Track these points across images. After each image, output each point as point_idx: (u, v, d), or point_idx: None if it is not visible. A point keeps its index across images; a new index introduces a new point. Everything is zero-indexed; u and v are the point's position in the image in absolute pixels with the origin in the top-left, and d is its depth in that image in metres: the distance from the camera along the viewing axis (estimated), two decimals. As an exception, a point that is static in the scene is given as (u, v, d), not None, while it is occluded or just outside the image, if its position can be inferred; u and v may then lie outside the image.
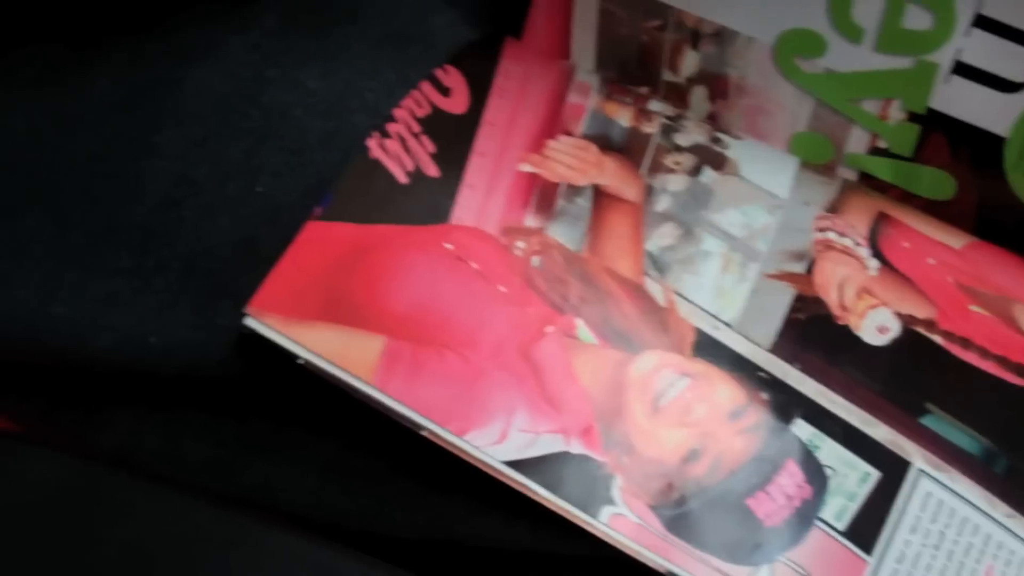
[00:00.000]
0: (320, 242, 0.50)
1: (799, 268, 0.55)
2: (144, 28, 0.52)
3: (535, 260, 0.53)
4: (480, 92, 0.56)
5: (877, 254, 0.55)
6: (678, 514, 0.49)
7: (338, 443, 0.51)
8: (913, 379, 0.53)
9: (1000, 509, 0.52)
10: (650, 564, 0.48)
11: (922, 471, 0.52)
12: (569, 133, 0.56)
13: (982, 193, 0.55)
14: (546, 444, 0.49)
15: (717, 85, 0.57)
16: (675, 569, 0.48)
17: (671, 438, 0.50)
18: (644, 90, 0.58)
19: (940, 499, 0.52)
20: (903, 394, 0.53)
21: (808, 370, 0.53)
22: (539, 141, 0.56)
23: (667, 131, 0.57)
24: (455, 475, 0.48)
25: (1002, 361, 0.54)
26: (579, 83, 0.58)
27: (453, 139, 0.54)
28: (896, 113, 0.54)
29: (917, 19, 0.51)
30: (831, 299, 0.54)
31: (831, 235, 0.56)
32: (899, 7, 0.50)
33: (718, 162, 0.57)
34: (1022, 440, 0.53)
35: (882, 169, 0.56)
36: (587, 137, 0.57)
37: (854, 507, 0.51)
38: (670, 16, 0.55)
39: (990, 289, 0.55)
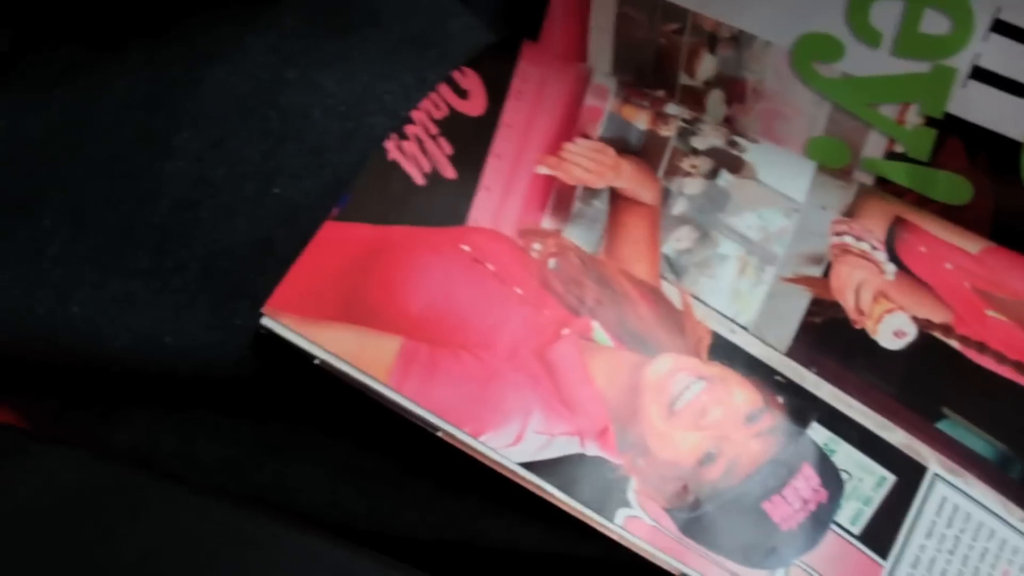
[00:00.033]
0: (337, 243, 0.50)
1: (816, 272, 0.55)
2: (163, 29, 0.53)
3: (551, 262, 0.53)
4: (497, 94, 0.56)
5: (894, 258, 0.55)
6: (693, 517, 0.49)
7: (353, 443, 0.51)
8: (929, 384, 0.53)
9: (1016, 514, 0.52)
10: (665, 567, 0.48)
11: (938, 475, 0.52)
12: (586, 136, 0.56)
13: (999, 198, 0.55)
14: (561, 446, 0.49)
15: (734, 89, 0.57)
16: (690, 572, 0.48)
17: (687, 441, 0.50)
18: (660, 93, 0.58)
19: (955, 504, 0.51)
20: (919, 398, 0.53)
21: (824, 374, 0.53)
22: (556, 143, 0.56)
23: (684, 134, 0.57)
24: (470, 476, 0.48)
25: (1018, 366, 0.54)
26: (596, 86, 0.58)
27: (470, 141, 0.54)
28: (913, 118, 0.54)
29: (935, 24, 0.50)
30: (847, 303, 0.54)
31: (848, 239, 0.55)
32: (917, 11, 0.50)
33: (735, 165, 0.57)
34: (1038, 445, 0.53)
35: (899, 174, 0.56)
36: (604, 140, 0.57)
37: (869, 511, 0.51)
38: (687, 19, 0.55)
39: (1007, 294, 0.55)
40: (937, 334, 0.54)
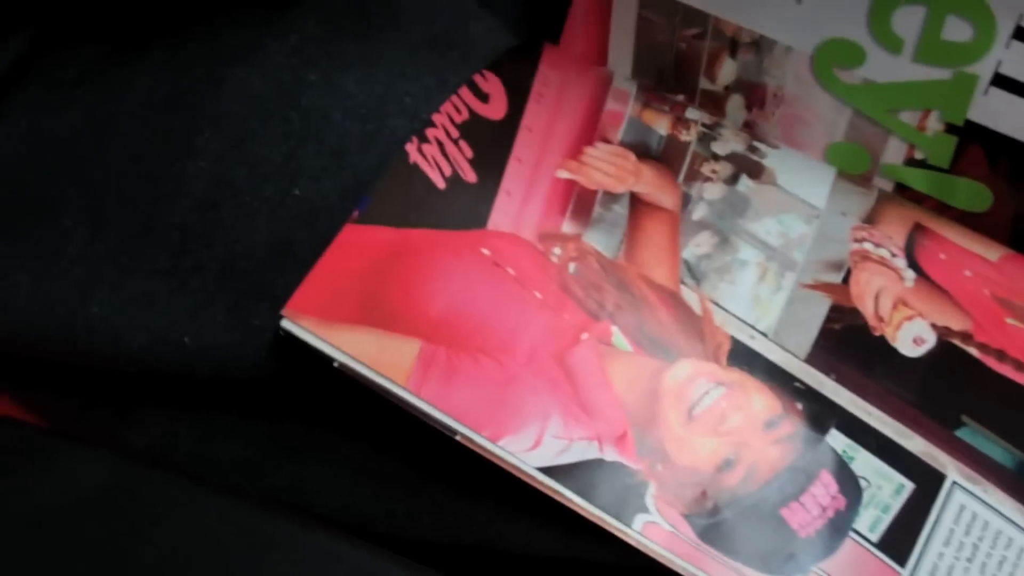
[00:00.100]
0: (357, 245, 0.50)
1: (835, 278, 0.55)
2: (184, 30, 0.53)
3: (571, 267, 0.53)
4: (518, 98, 0.56)
5: (913, 265, 0.55)
6: (712, 523, 0.49)
7: (371, 446, 0.51)
8: (948, 391, 0.53)
9: (1034, 523, 0.52)
10: (683, 573, 0.48)
11: (956, 483, 0.52)
12: (607, 140, 0.56)
13: (1019, 205, 0.54)
14: (580, 451, 0.49)
15: (754, 94, 0.57)
16: (708, 578, 0.48)
17: (705, 447, 0.50)
18: (681, 98, 0.58)
19: (974, 512, 0.51)
20: (938, 406, 0.53)
21: (843, 381, 0.53)
22: (577, 148, 0.56)
23: (704, 139, 0.57)
24: (487, 479, 0.48)
25: (1038, 374, 0.53)
26: (617, 90, 0.58)
27: (491, 145, 0.54)
28: (934, 124, 0.54)
29: (957, 30, 0.50)
30: (867, 310, 0.54)
31: (867, 246, 0.55)
32: (939, 18, 0.50)
33: (755, 171, 0.57)
34: (1057, 454, 0.53)
35: (918, 180, 0.56)
36: (625, 144, 0.57)
37: (888, 519, 0.51)
38: (708, 24, 0.55)
39: (1027, 302, 0.55)
40: (956, 341, 0.54)
